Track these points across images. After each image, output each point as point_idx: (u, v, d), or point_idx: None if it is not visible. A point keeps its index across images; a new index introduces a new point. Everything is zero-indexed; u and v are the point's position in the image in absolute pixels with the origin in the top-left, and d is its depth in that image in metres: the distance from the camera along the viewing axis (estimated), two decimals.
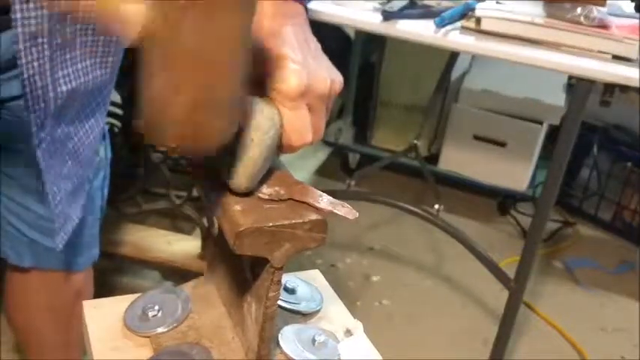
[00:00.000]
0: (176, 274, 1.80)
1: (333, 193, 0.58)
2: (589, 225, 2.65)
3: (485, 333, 1.95)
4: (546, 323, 2.11)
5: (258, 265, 0.57)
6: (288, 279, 0.71)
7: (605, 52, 1.39)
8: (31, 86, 0.80)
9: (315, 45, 0.60)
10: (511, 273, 1.71)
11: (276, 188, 0.57)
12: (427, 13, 1.47)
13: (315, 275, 0.75)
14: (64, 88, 0.84)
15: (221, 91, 0.48)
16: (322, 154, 2.60)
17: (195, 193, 1.82)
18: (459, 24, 1.44)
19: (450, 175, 2.57)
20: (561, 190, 1.98)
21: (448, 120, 2.57)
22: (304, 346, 0.62)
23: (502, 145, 2.50)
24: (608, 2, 1.41)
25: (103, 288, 1.24)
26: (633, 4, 1.53)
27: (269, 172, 0.58)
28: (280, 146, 0.57)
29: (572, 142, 1.52)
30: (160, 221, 2.07)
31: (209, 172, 0.59)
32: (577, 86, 1.49)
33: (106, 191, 1.18)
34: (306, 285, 0.72)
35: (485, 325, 2.01)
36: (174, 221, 2.10)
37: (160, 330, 0.63)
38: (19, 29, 0.75)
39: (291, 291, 0.69)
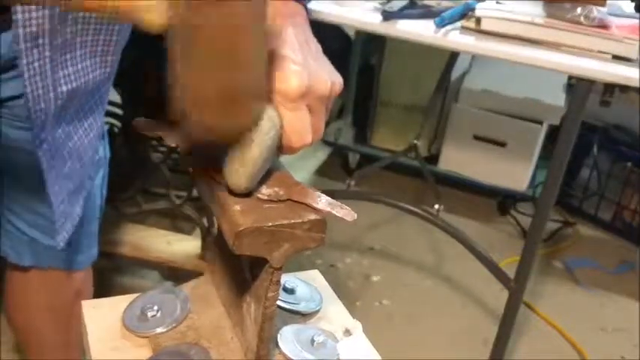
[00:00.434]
0: (176, 274, 1.80)
1: (332, 193, 0.58)
2: (589, 225, 2.65)
3: (485, 333, 1.95)
4: (546, 323, 2.11)
5: (257, 265, 0.57)
6: (287, 279, 0.71)
7: (605, 52, 1.39)
8: (31, 87, 0.80)
9: (315, 46, 0.60)
10: (511, 273, 1.71)
11: (275, 189, 0.57)
12: (427, 13, 1.47)
13: (315, 275, 0.75)
14: (64, 88, 0.84)
15: (248, 70, 0.51)
16: (322, 154, 2.60)
17: (195, 193, 1.82)
18: (458, 24, 1.44)
19: (450, 175, 2.57)
20: (561, 190, 1.98)
21: (448, 120, 2.57)
22: (303, 347, 0.62)
23: (502, 145, 2.50)
24: (608, 2, 1.41)
25: (103, 288, 1.24)
26: (633, 4, 1.53)
27: (268, 172, 0.58)
28: (280, 147, 0.57)
29: (572, 142, 1.52)
30: (160, 221, 2.07)
31: (209, 173, 0.59)
32: (577, 86, 1.49)
33: (105, 190, 1.18)
34: (306, 285, 0.72)
35: (485, 325, 2.01)
36: (174, 221, 2.10)
37: (158, 330, 0.63)
38: (20, 30, 0.75)
39: (290, 291, 0.69)
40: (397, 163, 2.42)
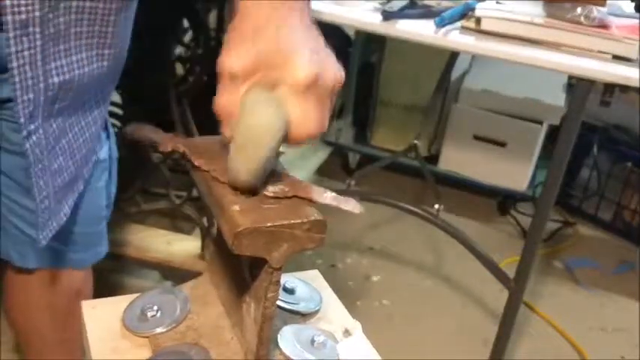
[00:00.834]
0: (176, 274, 1.80)
1: None
2: (589, 225, 2.65)
3: (485, 333, 1.95)
4: (546, 323, 2.11)
5: (256, 265, 0.57)
6: (287, 279, 0.71)
7: (605, 52, 1.39)
8: (20, 76, 0.78)
9: (319, 34, 0.59)
10: (511, 273, 1.71)
11: (281, 186, 0.57)
12: (427, 13, 1.47)
13: (315, 275, 0.75)
14: (55, 79, 0.83)
15: None
16: (322, 154, 2.60)
17: (195, 193, 1.82)
18: (458, 24, 1.44)
19: (450, 175, 2.57)
20: (561, 190, 1.98)
21: (448, 120, 2.57)
22: (303, 347, 0.62)
23: (502, 145, 2.50)
24: (608, 2, 1.41)
25: (103, 288, 1.24)
26: (633, 4, 1.53)
27: (273, 171, 0.58)
28: (285, 138, 0.56)
29: (572, 142, 1.51)
30: (160, 221, 2.06)
31: (208, 173, 0.59)
32: (577, 86, 1.49)
33: (113, 190, 1.17)
34: (305, 285, 0.72)
35: (485, 325, 2.01)
36: (174, 221, 2.10)
37: (158, 330, 0.63)
38: (9, 17, 0.74)
39: (290, 291, 0.69)
40: (397, 163, 2.42)
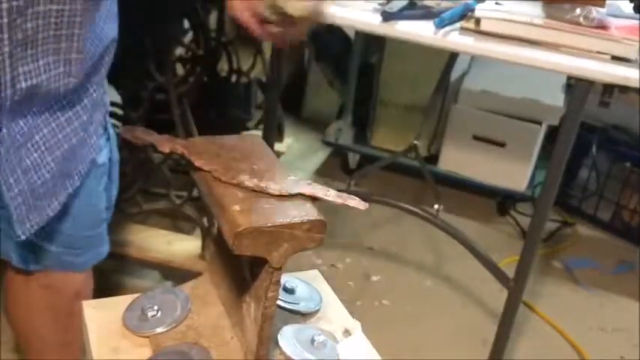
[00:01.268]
0: (176, 274, 1.80)
1: None
2: (588, 225, 2.65)
3: (484, 333, 1.95)
4: (546, 323, 2.12)
5: (257, 265, 0.57)
6: (287, 279, 0.71)
7: (604, 53, 1.39)
8: None
9: None
10: (510, 273, 1.71)
11: (284, 185, 0.58)
12: (427, 14, 1.47)
13: (315, 275, 0.76)
14: (23, 84, 0.82)
15: None
16: (322, 154, 2.60)
17: (195, 193, 1.82)
18: (458, 25, 1.44)
19: (450, 176, 2.57)
20: (560, 190, 1.98)
21: (448, 120, 2.57)
22: (303, 346, 0.62)
23: (501, 145, 2.50)
24: (607, 3, 1.42)
25: (103, 288, 1.24)
26: (632, 5, 1.53)
27: (275, 171, 0.59)
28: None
29: (572, 142, 1.52)
30: (160, 221, 2.07)
31: (209, 173, 0.59)
32: (576, 87, 1.49)
33: (114, 193, 1.17)
34: (305, 285, 0.72)
35: (484, 325, 2.01)
36: (175, 221, 2.10)
37: (159, 330, 0.63)
38: None
39: (290, 291, 0.70)
40: (397, 163, 2.41)
